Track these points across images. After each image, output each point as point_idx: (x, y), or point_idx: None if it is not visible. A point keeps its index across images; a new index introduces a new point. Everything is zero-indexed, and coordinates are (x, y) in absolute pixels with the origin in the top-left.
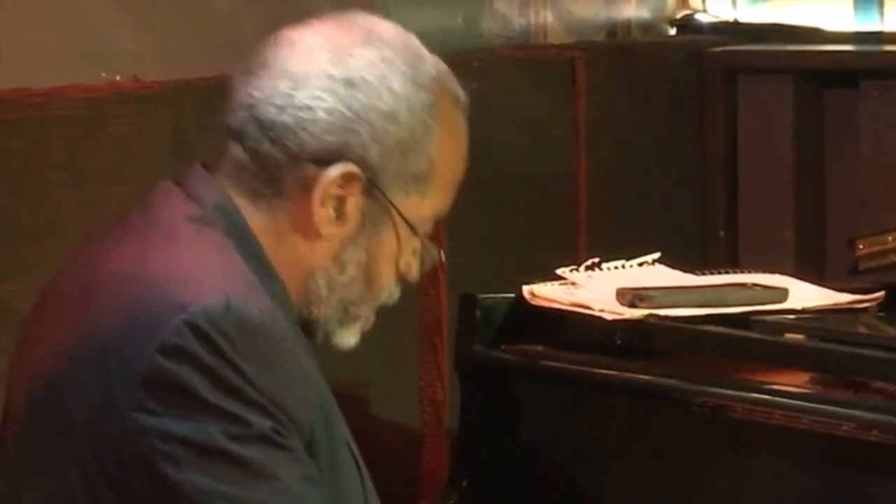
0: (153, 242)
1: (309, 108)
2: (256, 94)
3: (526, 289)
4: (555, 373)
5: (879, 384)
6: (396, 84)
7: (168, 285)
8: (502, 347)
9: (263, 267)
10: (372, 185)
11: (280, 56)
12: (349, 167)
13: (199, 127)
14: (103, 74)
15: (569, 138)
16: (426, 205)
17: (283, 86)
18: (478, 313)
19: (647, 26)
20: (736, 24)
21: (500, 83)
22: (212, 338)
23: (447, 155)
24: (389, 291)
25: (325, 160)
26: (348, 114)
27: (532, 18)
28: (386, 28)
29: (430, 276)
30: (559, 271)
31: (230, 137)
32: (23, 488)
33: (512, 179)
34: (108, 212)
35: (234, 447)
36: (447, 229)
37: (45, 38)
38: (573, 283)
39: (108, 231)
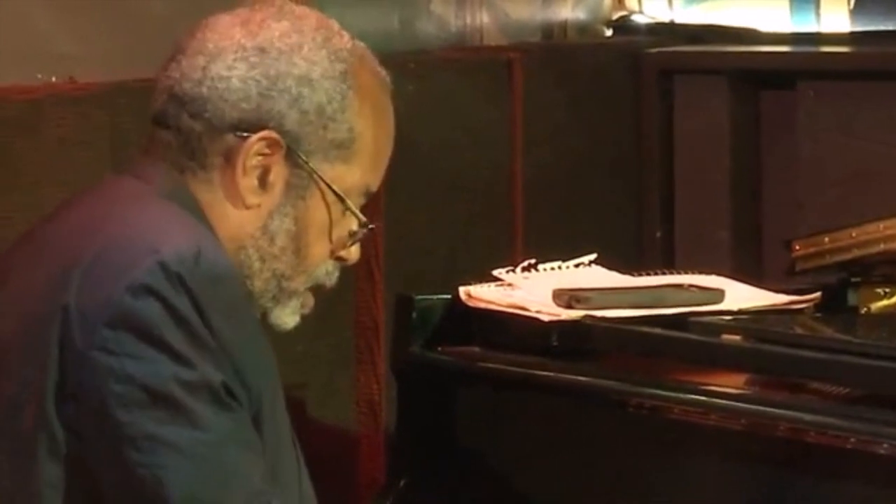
0: (119, 202)
1: (223, 77)
2: (175, 74)
3: (462, 290)
4: (491, 374)
5: (816, 385)
6: (308, 50)
7: (140, 233)
8: (439, 349)
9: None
10: (293, 153)
11: (196, 38)
12: (268, 134)
13: (137, 128)
14: (39, 76)
15: (505, 140)
16: (352, 175)
17: (199, 61)
18: (414, 314)
19: (583, 28)
20: (672, 25)
21: (436, 85)
22: (183, 279)
23: (369, 125)
24: (325, 268)
25: (244, 129)
26: (263, 80)
27: (468, 20)
28: (302, 9)
29: (367, 276)
30: (496, 272)
31: (155, 124)
32: None
33: (448, 181)
34: (44, 213)
35: (184, 395)
36: (384, 230)
37: None
38: (510, 285)
39: (65, 204)
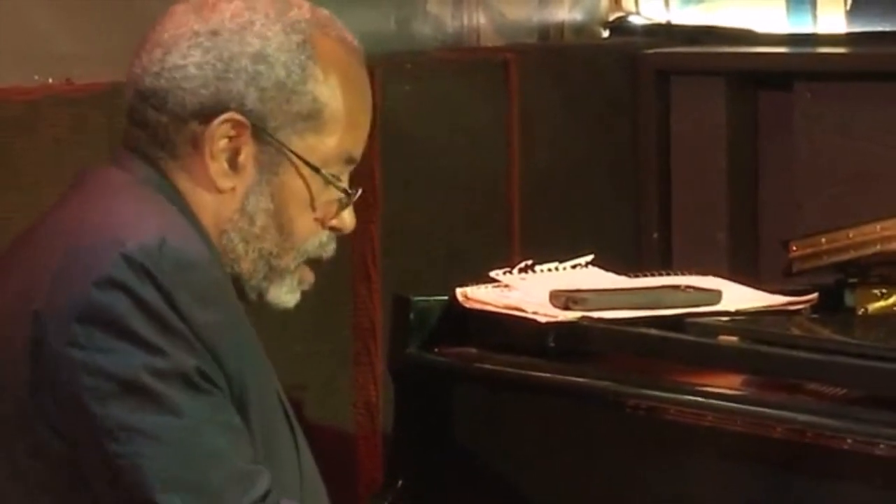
0: (92, 198)
1: (180, 66)
2: (137, 70)
3: (459, 291)
4: (488, 375)
5: (813, 386)
6: (260, 26)
7: (105, 228)
8: (436, 350)
9: (200, 234)
10: (260, 131)
11: (154, 30)
12: (231, 115)
13: None
14: (36, 77)
15: (502, 141)
16: (327, 144)
17: (157, 54)
18: (411, 315)
19: (580, 29)
20: (669, 25)
21: (433, 86)
22: (147, 269)
23: (337, 93)
24: (317, 240)
25: (207, 115)
26: (218, 64)
27: (465, 21)
28: None
29: (364, 277)
30: (493, 274)
31: (127, 121)
32: None
33: (445, 182)
34: (43, 212)
35: (154, 382)
36: (381, 230)
37: None
38: (507, 286)
39: (46, 212)
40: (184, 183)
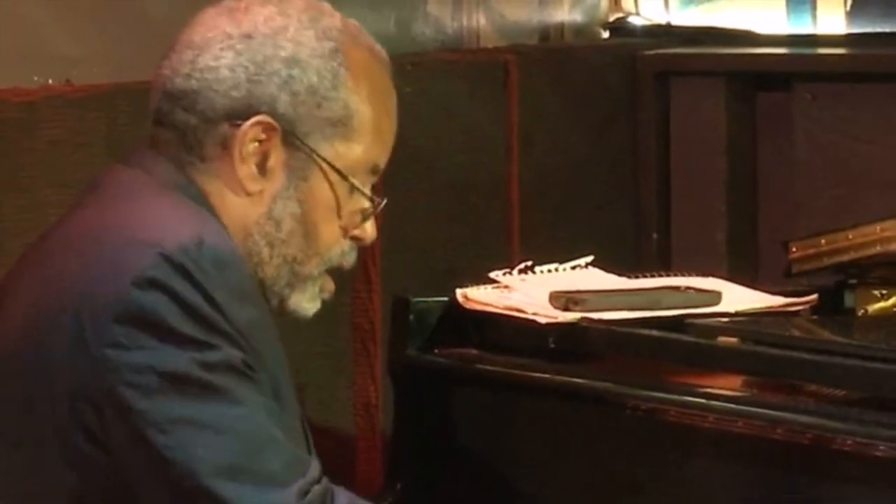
0: (116, 201)
1: (212, 68)
2: (166, 71)
3: (459, 292)
4: (488, 376)
5: (813, 387)
6: (294, 31)
7: (142, 229)
8: (435, 351)
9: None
10: (290, 135)
11: (185, 33)
12: (262, 119)
13: (134, 129)
14: (36, 78)
15: (502, 141)
16: (354, 152)
17: (188, 55)
18: (411, 317)
19: (579, 30)
20: (669, 26)
21: (433, 86)
22: (187, 269)
23: (366, 101)
24: (339, 249)
25: (237, 117)
26: (250, 66)
27: (465, 22)
28: None
29: (364, 278)
30: (492, 275)
31: (154, 123)
32: None
33: (445, 182)
34: (42, 214)
35: (203, 374)
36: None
37: None
38: (506, 287)
39: (67, 213)
40: (210, 185)
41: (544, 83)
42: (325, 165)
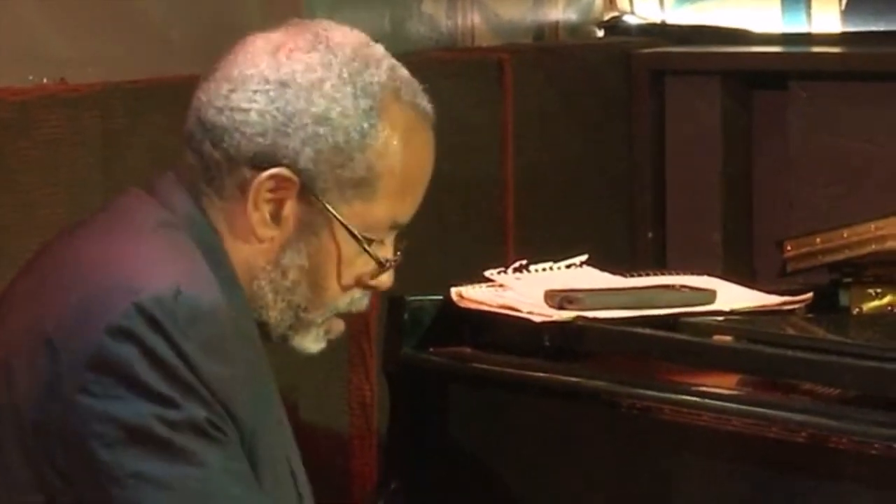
0: (116, 237)
1: (242, 109)
2: (203, 97)
3: (454, 291)
4: (483, 375)
5: (808, 386)
6: (330, 87)
7: (122, 273)
8: (430, 350)
9: (228, 277)
10: (307, 190)
11: (228, 60)
12: (281, 171)
13: (129, 129)
14: (30, 77)
15: (496, 140)
16: (373, 212)
17: (224, 88)
18: (406, 315)
19: (574, 28)
20: (663, 25)
21: (427, 85)
22: (158, 320)
23: (396, 161)
24: (348, 298)
25: (259, 163)
26: (279, 116)
27: (459, 21)
28: (342, 34)
29: None
30: (487, 273)
31: (184, 142)
32: None
33: (440, 181)
34: (37, 214)
35: (165, 431)
36: None
37: None
38: (501, 286)
39: (71, 230)
40: (223, 224)
41: (539, 82)
42: (337, 224)
